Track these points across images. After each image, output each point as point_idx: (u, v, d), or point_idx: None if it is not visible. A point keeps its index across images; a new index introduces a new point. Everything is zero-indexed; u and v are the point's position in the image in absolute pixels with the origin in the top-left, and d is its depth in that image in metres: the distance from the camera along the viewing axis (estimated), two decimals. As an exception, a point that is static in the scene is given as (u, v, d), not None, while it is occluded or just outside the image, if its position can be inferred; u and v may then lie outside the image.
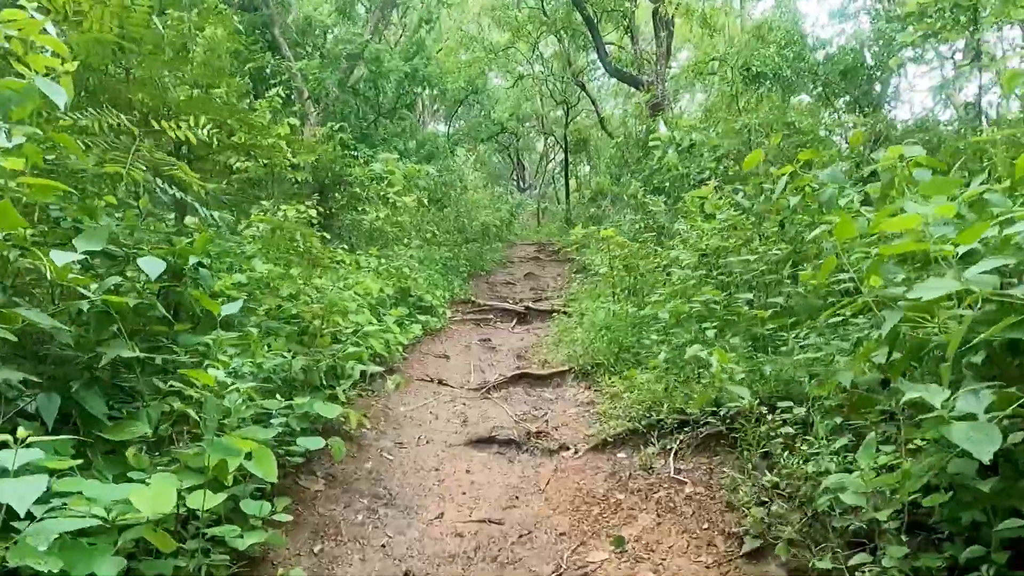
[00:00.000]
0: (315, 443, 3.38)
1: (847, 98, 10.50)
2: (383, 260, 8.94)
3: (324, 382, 4.54)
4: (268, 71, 11.88)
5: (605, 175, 21.64)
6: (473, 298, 11.48)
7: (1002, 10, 8.73)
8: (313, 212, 7.01)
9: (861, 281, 2.80)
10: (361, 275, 7.36)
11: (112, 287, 2.83)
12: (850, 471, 2.96)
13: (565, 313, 10.31)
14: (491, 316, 10.61)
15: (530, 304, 10.89)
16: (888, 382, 2.55)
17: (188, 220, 5.49)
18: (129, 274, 3.22)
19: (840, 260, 2.82)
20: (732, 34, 15.94)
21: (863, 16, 13.33)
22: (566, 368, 6.34)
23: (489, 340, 8.61)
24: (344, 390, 4.60)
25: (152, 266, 2.81)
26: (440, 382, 6.33)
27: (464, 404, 5.70)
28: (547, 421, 5.19)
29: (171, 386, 2.85)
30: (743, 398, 3.31)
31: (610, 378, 5.80)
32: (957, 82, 13.90)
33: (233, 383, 2.73)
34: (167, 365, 3.17)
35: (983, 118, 9.91)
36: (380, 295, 7.02)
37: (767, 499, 3.20)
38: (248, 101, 8.94)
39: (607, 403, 5.20)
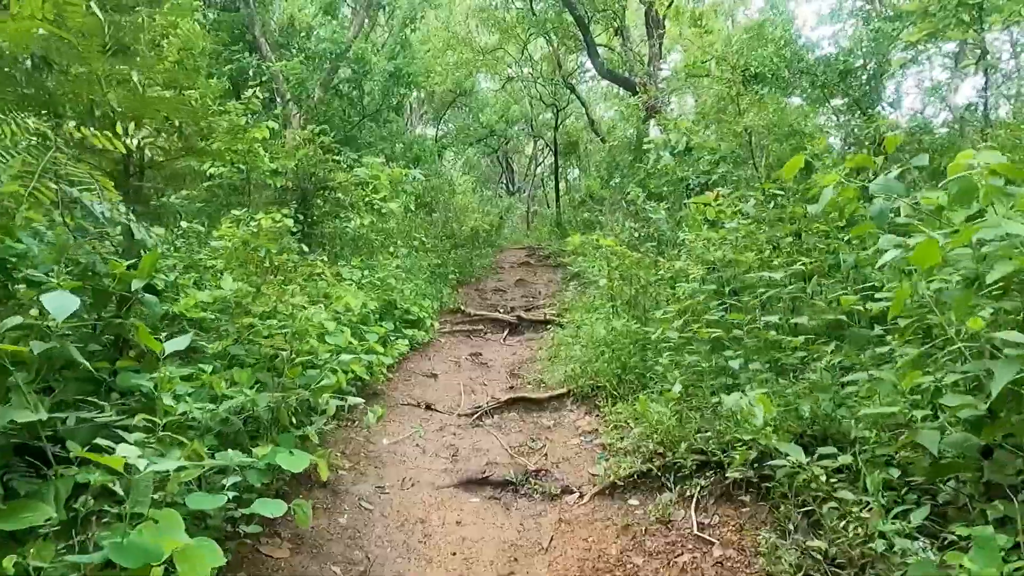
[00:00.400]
0: (275, 508, 2.77)
1: (844, 100, 10.01)
2: (368, 271, 8.33)
3: (294, 420, 3.94)
4: (250, 73, 11.21)
5: (596, 179, 21.13)
6: (463, 307, 10.89)
7: (1012, 8, 8.25)
8: (289, 221, 6.38)
9: (938, 313, 2.25)
10: (343, 289, 6.74)
11: (8, 330, 2.21)
12: (911, 536, 2.42)
13: (559, 324, 9.77)
14: (482, 327, 10.02)
15: (522, 314, 10.32)
16: (990, 450, 1.99)
17: (155, 232, 4.87)
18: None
19: (914, 288, 2.26)
20: (725, 35, 15.46)
21: (854, 19, 12.91)
22: (564, 391, 5.77)
23: (480, 354, 8.03)
24: (318, 429, 3.99)
25: (59, 303, 2.20)
26: (428, 407, 5.74)
27: (454, 434, 5.10)
28: (546, 455, 4.61)
29: (89, 451, 2.24)
30: (794, 460, 2.73)
31: (614, 404, 5.24)
32: (952, 83, 13.52)
33: (154, 462, 2.11)
34: (90, 422, 2.55)
35: (987, 119, 9.47)
36: (363, 311, 6.41)
37: (817, 574, 2.64)
38: (223, 103, 8.30)
39: (612, 434, 4.63)
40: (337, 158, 9.04)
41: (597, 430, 4.95)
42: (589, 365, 6.03)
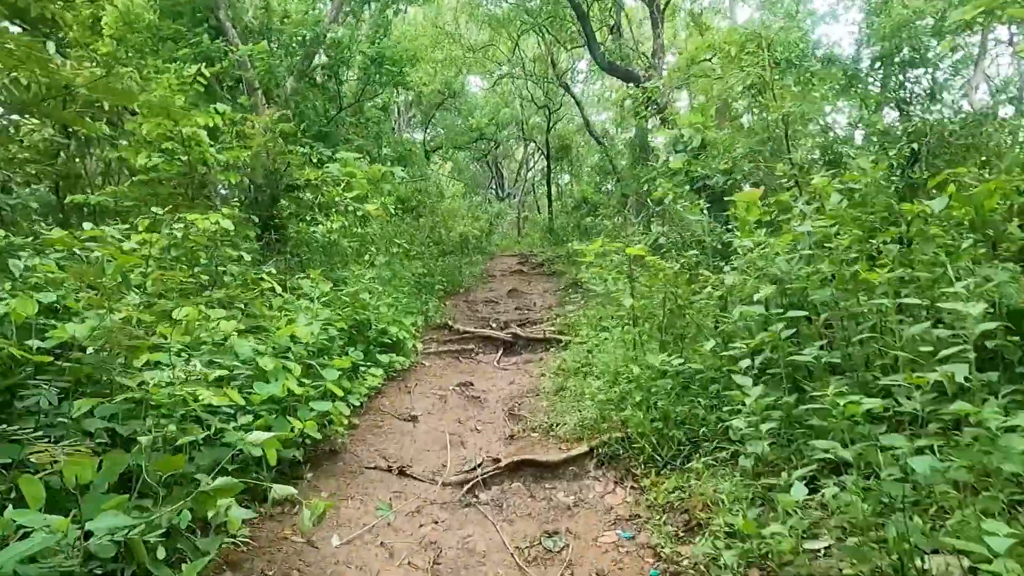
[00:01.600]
0: None
1: (879, 90, 8.53)
2: (339, 284, 6.69)
3: (174, 547, 2.32)
4: (214, 60, 9.50)
5: (589, 183, 19.62)
6: (450, 322, 9.28)
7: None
8: (228, 223, 4.74)
9: None
10: (300, 310, 5.11)
11: None
12: None
13: (562, 342, 8.19)
14: (472, 346, 8.41)
15: (518, 330, 8.72)
16: None
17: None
18: None
19: None
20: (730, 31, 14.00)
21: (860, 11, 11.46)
22: (584, 449, 4.16)
23: (471, 384, 6.41)
24: (212, 552, 2.37)
25: None
26: (402, 471, 4.11)
27: (436, 521, 3.48)
28: (570, 566, 3.00)
29: None
30: None
31: (656, 471, 3.66)
32: (975, 78, 12.11)
33: None
34: None
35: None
36: (321, 339, 4.78)
37: None
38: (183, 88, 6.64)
39: (663, 528, 3.06)
40: (304, 150, 7.40)
41: (638, 516, 3.36)
42: (613, 410, 4.45)
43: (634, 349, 5.17)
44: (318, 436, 3.78)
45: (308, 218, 7.22)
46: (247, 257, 4.82)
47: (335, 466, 4.08)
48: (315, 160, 7.66)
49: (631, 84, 12.42)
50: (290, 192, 7.66)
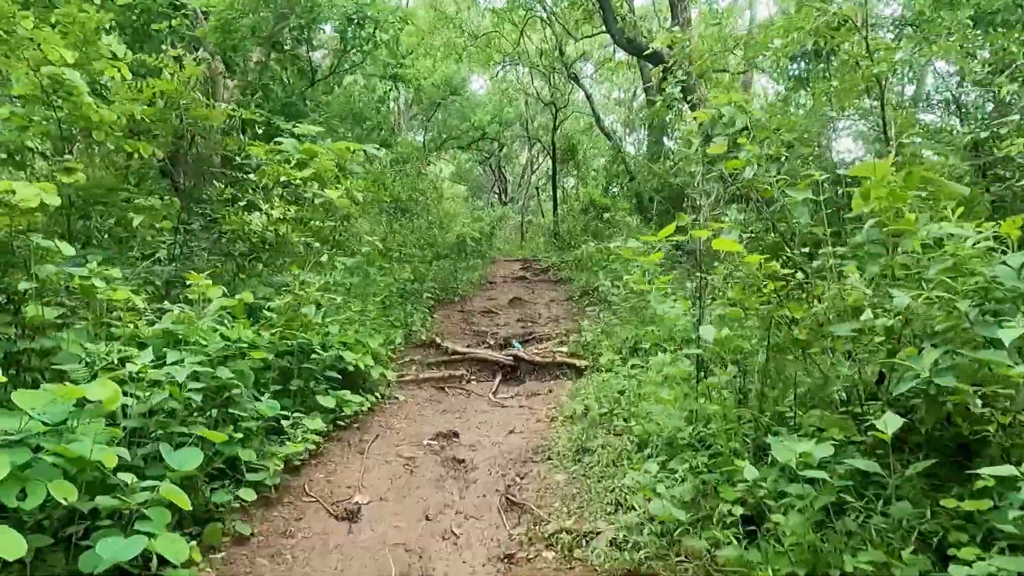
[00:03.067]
0: None
1: (988, 51, 6.33)
2: (274, 294, 4.64)
3: None
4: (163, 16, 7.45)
5: (596, 185, 17.52)
6: (438, 339, 7.21)
7: None
8: (53, 198, 2.69)
9: None
10: (169, 335, 3.05)
11: None
12: None
13: (577, 368, 6.12)
14: (463, 372, 6.33)
15: (520, 352, 6.63)
16: None
17: None
18: None
19: None
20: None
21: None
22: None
23: (454, 437, 4.32)
24: None
25: None
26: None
27: None
28: None
29: None
30: None
31: None
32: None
33: None
34: None
35: None
36: (213, 382, 2.72)
37: None
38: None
39: None
40: (242, 113, 5.34)
41: None
42: (687, 533, 2.39)
43: (704, 402, 3.09)
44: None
45: (244, 203, 5.16)
46: (70, 251, 2.76)
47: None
48: (262, 129, 5.62)
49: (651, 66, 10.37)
50: (240, 170, 5.61)
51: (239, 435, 2.97)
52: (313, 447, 3.60)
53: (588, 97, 14.90)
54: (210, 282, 3.37)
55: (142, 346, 2.77)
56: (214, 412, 2.94)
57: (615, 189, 15.96)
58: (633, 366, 5.15)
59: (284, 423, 3.47)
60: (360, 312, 5.69)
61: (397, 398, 5.31)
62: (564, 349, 6.69)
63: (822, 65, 9.19)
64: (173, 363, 2.63)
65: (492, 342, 7.55)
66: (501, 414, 5.06)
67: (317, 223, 5.71)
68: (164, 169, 6.12)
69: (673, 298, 4.77)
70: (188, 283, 3.45)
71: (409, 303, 7.97)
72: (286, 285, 4.72)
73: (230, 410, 3.02)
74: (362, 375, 4.74)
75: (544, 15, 13.26)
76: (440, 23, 13.61)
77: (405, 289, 8.11)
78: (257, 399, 3.29)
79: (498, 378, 6.18)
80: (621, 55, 17.53)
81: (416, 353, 6.88)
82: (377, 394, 5.02)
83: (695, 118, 6.12)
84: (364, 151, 6.09)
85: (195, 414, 2.73)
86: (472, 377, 6.27)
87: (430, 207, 12.42)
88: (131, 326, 3.03)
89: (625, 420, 3.91)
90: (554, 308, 9.92)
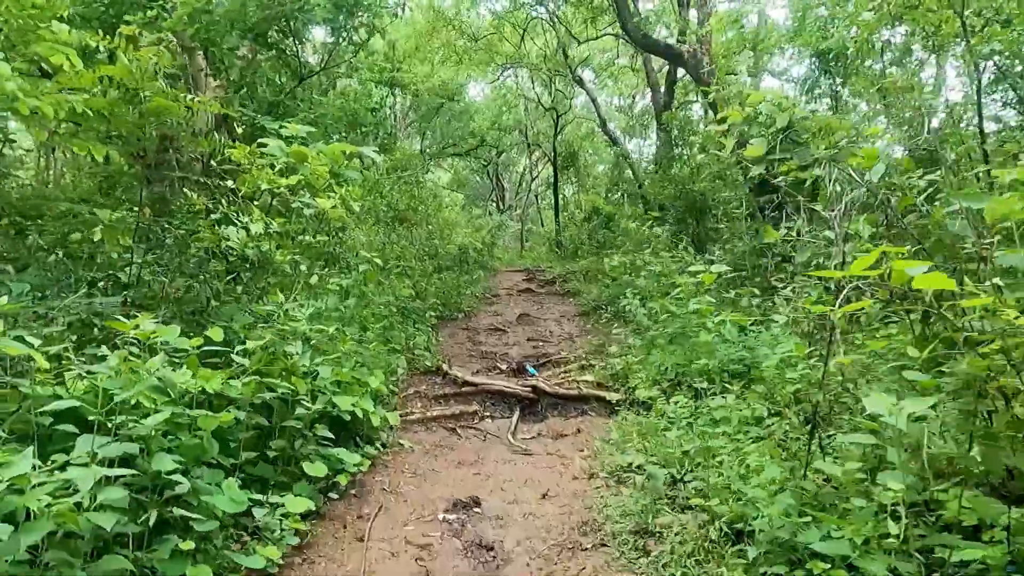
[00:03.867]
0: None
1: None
2: (251, 326, 3.69)
3: None
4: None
5: (599, 192, 16.66)
6: (445, 366, 6.26)
7: None
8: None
9: None
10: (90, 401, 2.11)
11: None
12: None
13: (606, 400, 5.20)
14: (475, 407, 5.39)
15: (540, 382, 5.70)
16: None
17: None
18: None
19: None
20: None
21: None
22: None
23: (477, 506, 3.39)
24: None
25: None
26: None
27: None
28: None
29: None
30: None
31: None
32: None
33: None
34: None
35: None
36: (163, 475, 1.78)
37: None
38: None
39: None
40: (219, 109, 4.41)
41: None
42: None
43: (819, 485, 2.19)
44: None
45: (219, 215, 4.21)
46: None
47: None
48: (242, 129, 4.69)
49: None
50: (218, 176, 4.67)
51: (188, 546, 2.03)
52: (297, 540, 2.66)
53: (593, 100, 14.02)
54: (153, 323, 2.42)
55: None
56: (151, 516, 2.00)
57: (617, 195, 15.11)
58: (681, 405, 4.26)
59: (257, 511, 2.53)
60: (358, 341, 4.74)
61: (402, 445, 4.37)
62: (588, 378, 5.78)
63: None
64: (78, 464, 1.69)
65: (503, 366, 6.62)
66: (527, 466, 4.13)
67: (307, 238, 4.78)
68: (150, 177, 5.19)
69: (756, 329, 3.86)
70: (134, 317, 2.48)
71: (411, 323, 7.04)
72: (269, 315, 3.77)
73: (175, 510, 2.08)
74: (363, 425, 3.80)
75: (546, 17, 12.41)
76: (440, 23, 12.72)
77: (406, 307, 7.18)
78: (218, 484, 2.34)
79: (516, 414, 5.25)
80: (624, 59, 16.74)
81: (421, 383, 5.95)
82: (378, 444, 4.08)
83: (723, 119, 5.12)
84: (360, 156, 5.17)
85: (112, 541, 1.79)
86: (487, 413, 5.33)
87: (430, 216, 11.49)
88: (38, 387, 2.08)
89: (698, 491, 3.00)
90: (566, 325, 9.01)
